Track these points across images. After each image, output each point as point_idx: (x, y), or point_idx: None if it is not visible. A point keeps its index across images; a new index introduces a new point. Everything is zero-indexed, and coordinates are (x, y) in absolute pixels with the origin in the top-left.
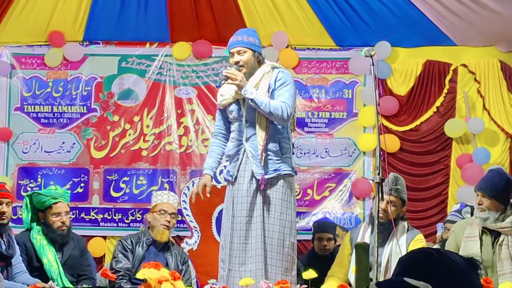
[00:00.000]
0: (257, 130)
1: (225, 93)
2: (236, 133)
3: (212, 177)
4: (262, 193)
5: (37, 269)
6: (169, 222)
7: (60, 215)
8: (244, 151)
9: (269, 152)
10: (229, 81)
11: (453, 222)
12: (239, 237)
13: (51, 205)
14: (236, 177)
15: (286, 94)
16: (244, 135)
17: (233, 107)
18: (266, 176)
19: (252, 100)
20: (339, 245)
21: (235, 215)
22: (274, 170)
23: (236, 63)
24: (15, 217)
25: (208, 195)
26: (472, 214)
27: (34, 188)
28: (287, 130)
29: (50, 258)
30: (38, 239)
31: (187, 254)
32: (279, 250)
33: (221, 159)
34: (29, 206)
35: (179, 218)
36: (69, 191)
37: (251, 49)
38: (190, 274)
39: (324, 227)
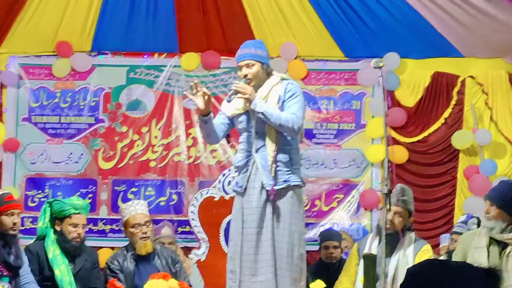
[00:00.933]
0: (267, 142)
1: (234, 104)
2: (245, 144)
3: (210, 110)
4: (272, 204)
5: (48, 279)
6: (146, 232)
7: (77, 226)
8: (254, 162)
9: (278, 163)
10: (239, 95)
11: (460, 233)
12: (249, 248)
13: (70, 215)
14: (245, 188)
15: (296, 106)
16: (253, 146)
17: (242, 118)
18: (276, 187)
19: (262, 113)
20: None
21: (245, 226)
22: (284, 181)
23: (245, 76)
24: (22, 228)
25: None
26: (478, 226)
27: (42, 199)
28: (296, 142)
29: (62, 269)
30: (52, 249)
31: (176, 252)
32: (288, 261)
33: (215, 129)
34: (47, 212)
35: (187, 229)
36: (89, 205)
37: (260, 62)
38: (185, 272)
39: (329, 235)
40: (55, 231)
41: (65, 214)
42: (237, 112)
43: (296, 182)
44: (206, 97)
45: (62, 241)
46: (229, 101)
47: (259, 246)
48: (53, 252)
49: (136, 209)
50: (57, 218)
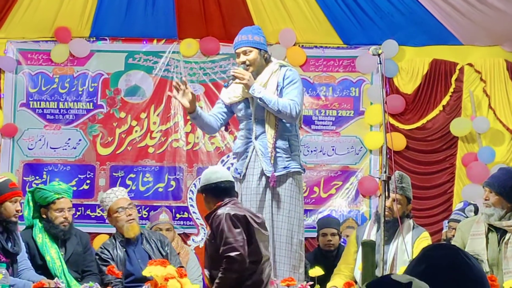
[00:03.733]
0: (267, 128)
1: (233, 91)
2: (245, 131)
3: (195, 108)
4: (271, 190)
5: (40, 267)
6: (131, 215)
7: (63, 211)
8: (253, 148)
9: (278, 150)
10: (237, 80)
11: (457, 220)
12: None
13: (54, 200)
14: (244, 175)
15: (295, 92)
16: (253, 133)
17: (242, 105)
18: (276, 174)
19: (260, 98)
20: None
21: None
22: (284, 167)
23: (243, 63)
24: (20, 214)
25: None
26: (475, 213)
27: (40, 185)
28: (296, 128)
29: (53, 255)
30: (40, 236)
31: (164, 235)
32: (287, 248)
33: (209, 122)
34: (31, 202)
35: (186, 216)
36: (72, 187)
37: (257, 48)
38: (176, 254)
39: (328, 222)
40: (42, 219)
41: (49, 201)
42: (236, 99)
43: (296, 168)
44: (190, 95)
45: (50, 227)
46: (226, 87)
47: None
48: (42, 239)
49: (116, 195)
50: (42, 205)
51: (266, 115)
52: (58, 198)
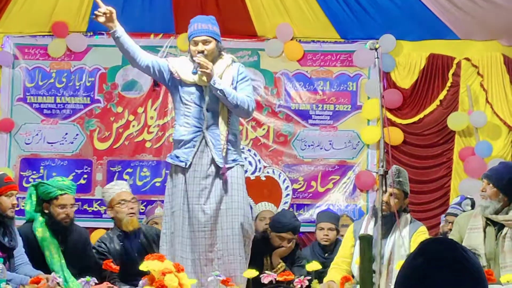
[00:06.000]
0: (220, 121)
1: (185, 72)
2: (193, 119)
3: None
4: (221, 180)
5: (39, 261)
6: (133, 208)
7: (65, 207)
8: (203, 138)
9: (228, 143)
10: (200, 69)
11: (454, 214)
12: (197, 224)
13: (57, 196)
14: (191, 164)
15: (249, 89)
16: (204, 123)
17: (193, 90)
18: (226, 166)
19: (220, 90)
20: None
21: (192, 203)
22: (233, 160)
23: (200, 52)
24: (17, 209)
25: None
26: (472, 207)
27: (37, 180)
28: (238, 124)
29: (52, 250)
30: (41, 231)
31: (155, 228)
32: (240, 233)
33: (131, 50)
34: (34, 196)
35: None
36: (75, 184)
37: (215, 39)
38: None
39: (326, 217)
40: (43, 214)
41: (52, 196)
42: (188, 81)
43: (242, 162)
44: (108, 14)
45: (52, 223)
46: (195, 73)
47: (208, 221)
48: (43, 234)
49: (120, 188)
50: (44, 200)
51: (220, 107)
52: (61, 194)
